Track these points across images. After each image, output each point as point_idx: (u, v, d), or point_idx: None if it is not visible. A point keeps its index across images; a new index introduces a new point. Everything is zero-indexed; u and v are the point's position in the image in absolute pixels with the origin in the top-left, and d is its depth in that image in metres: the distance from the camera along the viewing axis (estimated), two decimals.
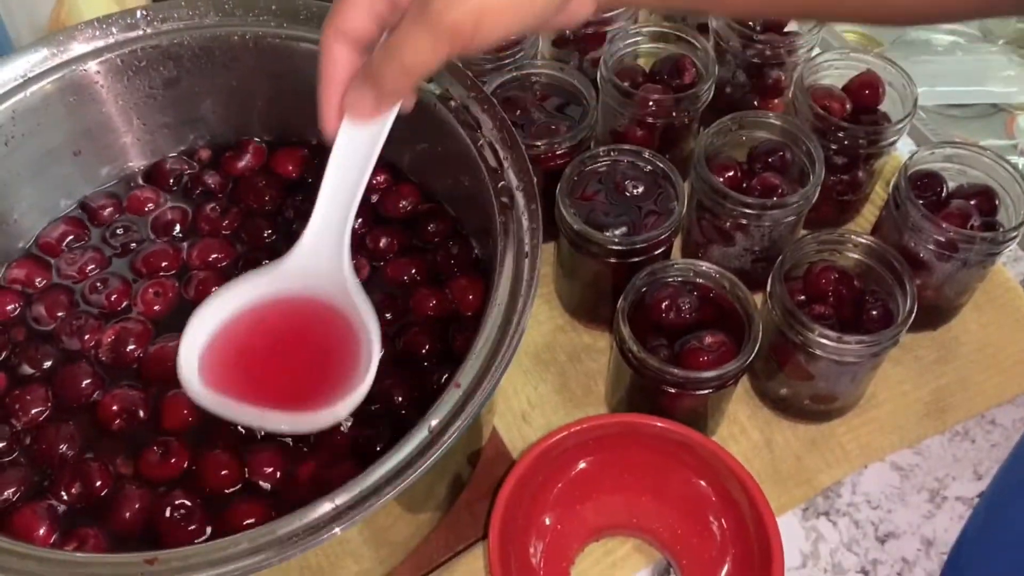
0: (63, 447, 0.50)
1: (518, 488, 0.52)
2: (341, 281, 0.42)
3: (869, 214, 0.71)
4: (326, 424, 0.41)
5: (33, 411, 0.52)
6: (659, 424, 0.53)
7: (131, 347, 0.54)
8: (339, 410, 0.40)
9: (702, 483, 0.55)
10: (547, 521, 0.55)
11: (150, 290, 0.57)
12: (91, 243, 0.60)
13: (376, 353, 0.41)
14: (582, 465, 0.56)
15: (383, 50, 0.38)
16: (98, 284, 0.57)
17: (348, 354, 0.42)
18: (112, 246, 0.60)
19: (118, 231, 0.61)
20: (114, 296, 0.57)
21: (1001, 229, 0.59)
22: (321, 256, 0.42)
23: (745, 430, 0.61)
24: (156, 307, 0.57)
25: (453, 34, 0.36)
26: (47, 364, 0.54)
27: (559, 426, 0.53)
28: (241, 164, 0.64)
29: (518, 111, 0.65)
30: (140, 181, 0.63)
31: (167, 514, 0.48)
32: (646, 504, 0.56)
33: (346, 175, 0.41)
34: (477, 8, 0.36)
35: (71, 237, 0.60)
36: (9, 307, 0.56)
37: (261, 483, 0.49)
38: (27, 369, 0.54)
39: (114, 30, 0.57)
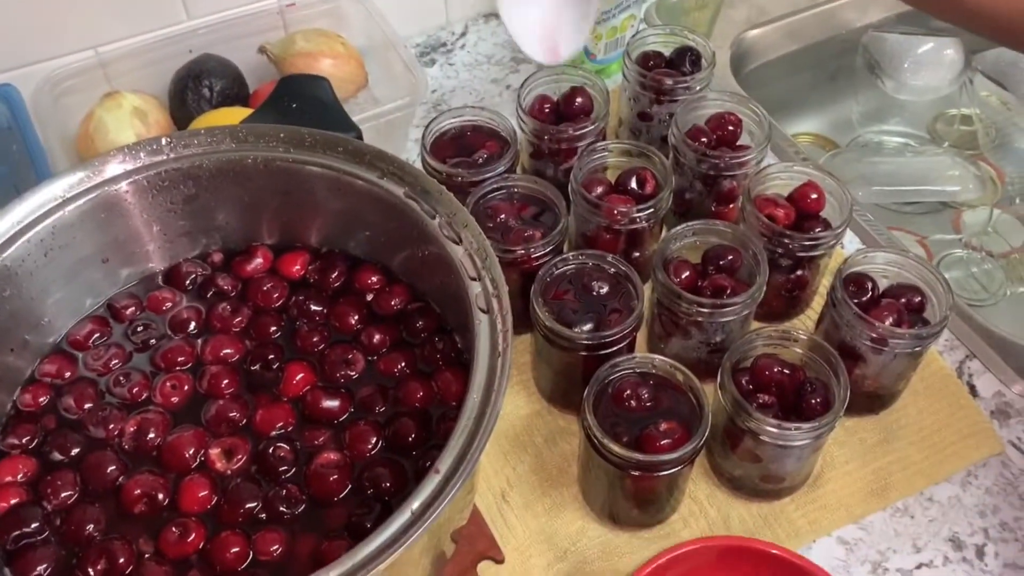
0: (90, 528, 0.56)
1: None
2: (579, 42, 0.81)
3: (817, 306, 0.78)
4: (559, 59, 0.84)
5: (63, 494, 0.57)
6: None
7: (151, 436, 0.60)
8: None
9: None
10: None
11: (167, 383, 0.63)
12: (114, 339, 0.67)
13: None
14: None
15: None
16: (121, 378, 0.64)
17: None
18: (133, 342, 0.67)
19: (139, 328, 0.67)
20: (135, 389, 0.63)
21: (927, 325, 0.67)
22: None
23: (704, 508, 0.67)
24: (173, 399, 0.63)
25: None
26: (75, 451, 0.60)
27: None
28: (250, 267, 0.71)
29: (499, 218, 0.73)
30: (160, 282, 0.71)
31: None
32: None
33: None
34: None
35: (96, 334, 0.67)
36: (41, 399, 0.63)
37: (267, 560, 0.55)
38: (57, 456, 0.60)
39: (142, 155, 0.65)
